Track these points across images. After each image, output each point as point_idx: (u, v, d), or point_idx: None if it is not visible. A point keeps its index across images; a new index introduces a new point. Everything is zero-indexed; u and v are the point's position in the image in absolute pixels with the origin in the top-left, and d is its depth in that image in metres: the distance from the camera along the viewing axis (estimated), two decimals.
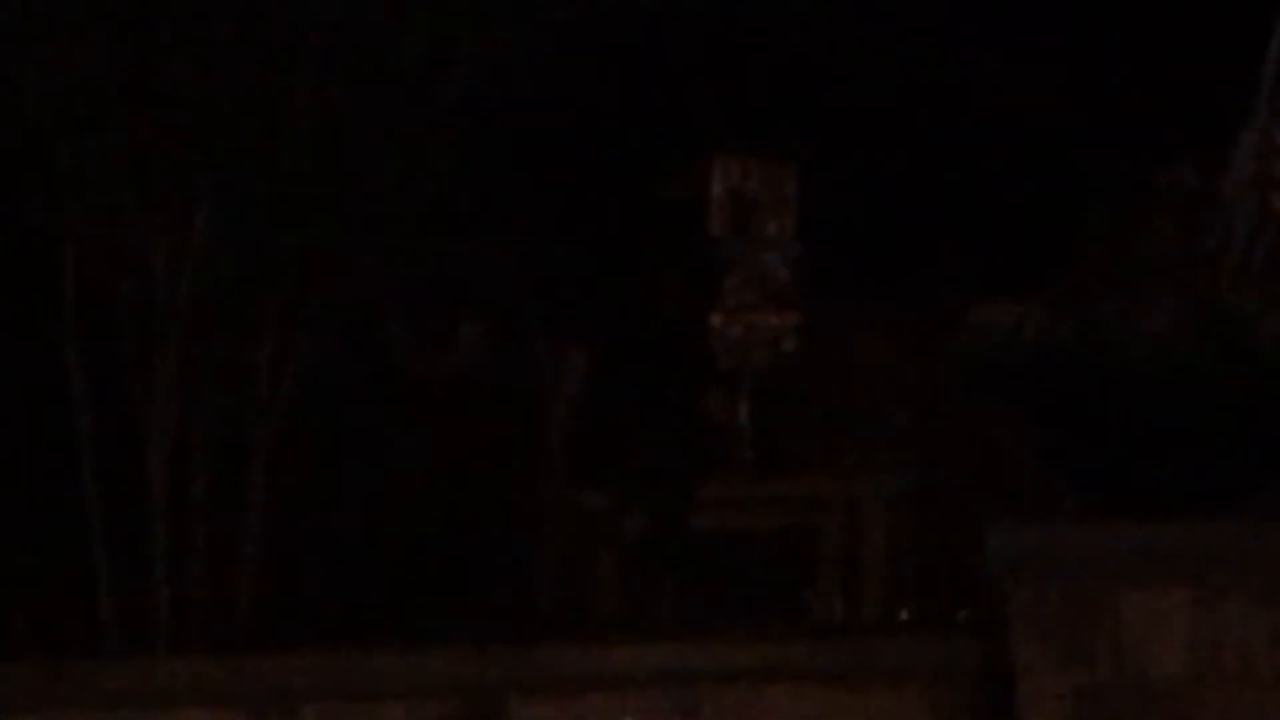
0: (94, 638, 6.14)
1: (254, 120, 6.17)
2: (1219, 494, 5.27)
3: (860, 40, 7.54)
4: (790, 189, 7.30)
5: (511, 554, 7.26)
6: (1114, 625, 5.26)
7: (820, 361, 7.35)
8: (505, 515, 7.39)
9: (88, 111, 6.15)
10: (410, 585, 6.71)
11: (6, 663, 5.72)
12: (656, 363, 7.60)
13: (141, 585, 6.16)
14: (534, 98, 6.65)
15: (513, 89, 6.44)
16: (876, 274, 7.22)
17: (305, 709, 5.39)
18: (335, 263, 6.30)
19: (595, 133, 7.49)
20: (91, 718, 5.42)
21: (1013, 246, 6.57)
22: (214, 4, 6.20)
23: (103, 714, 5.41)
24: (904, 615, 6.95)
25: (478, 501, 7.37)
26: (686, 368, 7.51)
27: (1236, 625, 5.20)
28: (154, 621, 6.12)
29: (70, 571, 6.34)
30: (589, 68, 6.97)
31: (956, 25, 7.82)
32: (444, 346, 7.47)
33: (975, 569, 5.71)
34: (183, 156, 6.12)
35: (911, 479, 7.14)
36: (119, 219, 6.10)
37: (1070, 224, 5.95)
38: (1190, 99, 6.27)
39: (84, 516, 6.14)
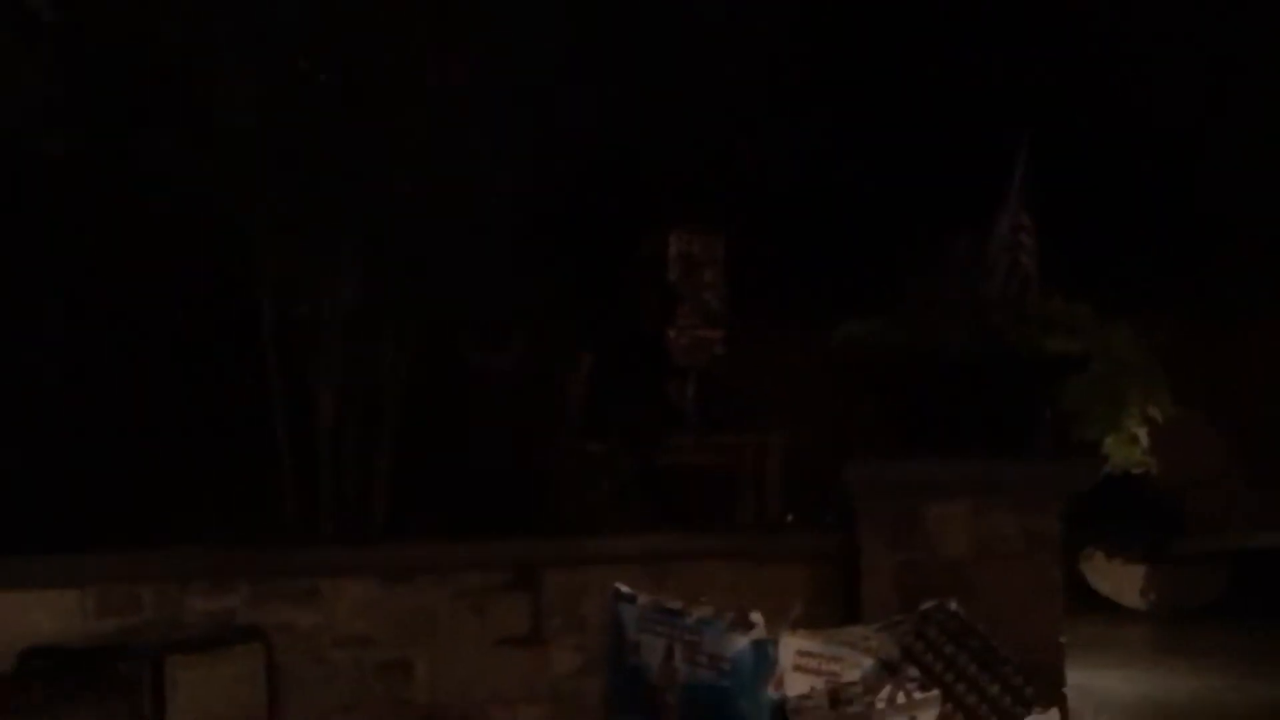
0: (291, 528, 7.42)
1: (378, 201, 7.40)
2: (989, 443, 6.65)
3: (760, 153, 8.67)
4: (719, 251, 8.54)
5: (544, 481, 8.33)
6: (922, 524, 6.68)
7: (740, 361, 8.57)
8: (540, 456, 8.50)
9: (272, 192, 7.34)
10: (482, 500, 7.73)
11: (231, 544, 6.99)
12: (636, 360, 8.89)
13: (314, 495, 7.44)
14: (561, 191, 7.84)
15: (546, 183, 7.57)
16: (776, 303, 8.57)
17: (419, 578, 6.82)
18: (431, 292, 7.54)
19: (600, 213, 8.50)
20: (283, 584, 6.70)
21: (865, 284, 7.58)
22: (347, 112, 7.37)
23: (289, 580, 6.73)
24: (791, 519, 8.06)
25: (523, 447, 8.45)
26: (655, 364, 8.75)
27: (998, 524, 6.67)
28: (322, 518, 7.45)
29: (273, 488, 7.47)
30: (597, 173, 8.10)
31: (821, 140, 8.98)
32: (501, 349, 8.65)
33: (837, 490, 6.94)
34: (334, 223, 7.44)
35: (798, 434, 8.32)
36: (295, 264, 7.44)
37: (901, 270, 7.20)
38: (969, 191, 7.38)
39: (278, 455, 7.47)
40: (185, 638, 6.30)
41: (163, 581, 6.62)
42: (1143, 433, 7.54)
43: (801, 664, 4.41)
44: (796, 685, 4.37)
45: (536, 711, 6.40)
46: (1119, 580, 9.08)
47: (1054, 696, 6.10)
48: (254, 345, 7.53)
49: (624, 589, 4.68)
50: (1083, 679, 6.87)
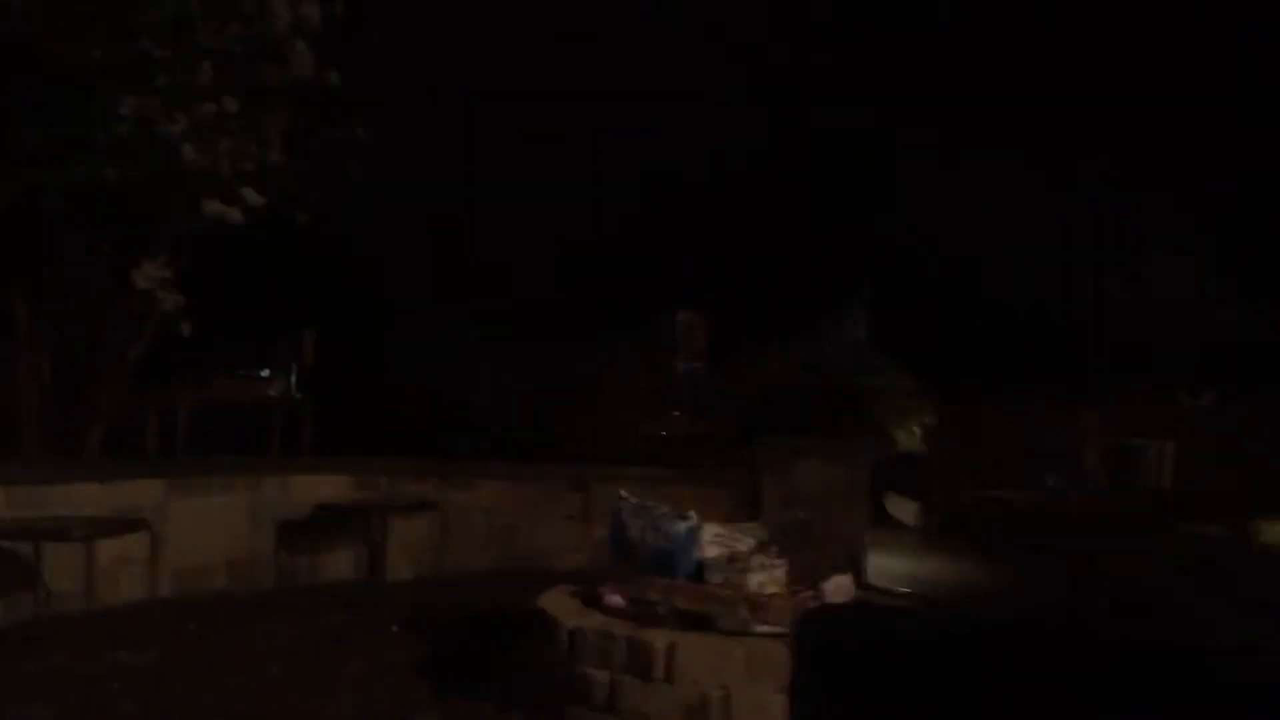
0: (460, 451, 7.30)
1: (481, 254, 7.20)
2: (831, 431, 6.83)
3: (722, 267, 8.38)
4: (702, 323, 8.04)
5: (602, 433, 8.08)
6: (794, 472, 6.44)
7: (716, 380, 8.04)
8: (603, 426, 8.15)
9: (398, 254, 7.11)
10: (550, 436, 7.72)
11: (428, 458, 6.87)
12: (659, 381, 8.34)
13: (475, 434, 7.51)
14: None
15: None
16: (732, 348, 7.96)
17: (525, 481, 6.81)
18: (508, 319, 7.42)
19: (627, 300, 8.05)
20: (453, 479, 6.68)
21: (784, 335, 7.46)
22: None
23: (456, 478, 6.72)
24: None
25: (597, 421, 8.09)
26: (668, 382, 8.22)
27: (833, 474, 6.37)
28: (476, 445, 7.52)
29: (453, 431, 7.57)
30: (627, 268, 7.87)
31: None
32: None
33: (752, 450, 6.75)
34: (450, 274, 7.23)
35: (737, 422, 7.69)
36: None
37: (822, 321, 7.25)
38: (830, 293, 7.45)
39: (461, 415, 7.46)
40: (400, 505, 6.44)
41: (390, 474, 6.70)
42: (918, 431, 7.64)
43: (715, 540, 4.32)
44: (711, 552, 4.28)
45: (581, 557, 6.29)
46: (903, 509, 9.06)
47: (859, 568, 6.04)
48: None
49: (623, 494, 4.53)
50: (878, 562, 6.69)
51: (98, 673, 4.07)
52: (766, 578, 4.05)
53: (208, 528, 5.75)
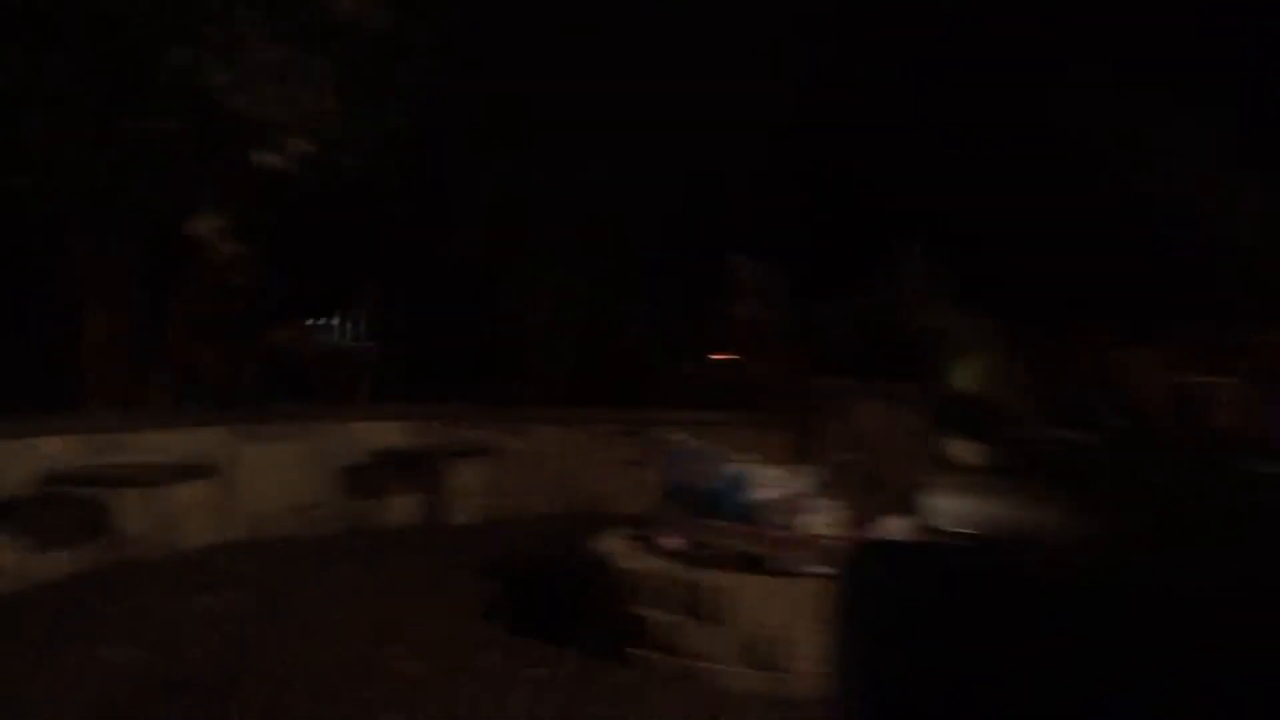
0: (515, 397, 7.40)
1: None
2: (890, 372, 6.49)
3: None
4: (761, 266, 7.85)
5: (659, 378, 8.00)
6: (853, 415, 6.21)
7: (769, 323, 7.81)
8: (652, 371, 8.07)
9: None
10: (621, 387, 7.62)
11: (485, 404, 6.98)
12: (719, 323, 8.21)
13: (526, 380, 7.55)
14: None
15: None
16: (786, 296, 7.67)
17: (578, 426, 6.93)
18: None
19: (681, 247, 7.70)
20: (508, 425, 6.80)
21: (843, 279, 7.06)
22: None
23: (512, 424, 6.84)
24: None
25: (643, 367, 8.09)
26: (726, 324, 8.07)
27: (891, 415, 6.14)
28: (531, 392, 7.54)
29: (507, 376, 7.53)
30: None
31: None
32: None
33: (810, 393, 6.79)
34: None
35: (796, 364, 7.52)
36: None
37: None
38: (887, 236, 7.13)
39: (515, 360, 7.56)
40: (458, 450, 6.52)
41: (447, 421, 6.80)
42: (980, 372, 7.49)
43: (771, 482, 4.29)
44: (768, 494, 4.24)
45: (637, 500, 6.00)
46: (965, 450, 8.88)
47: (920, 510, 5.69)
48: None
49: (675, 436, 4.55)
50: (939, 503, 6.09)
51: (173, 615, 4.21)
52: (823, 519, 4.03)
53: (274, 474, 5.88)
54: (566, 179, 7.05)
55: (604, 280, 7.87)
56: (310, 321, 7.89)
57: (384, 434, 6.42)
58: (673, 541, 3.98)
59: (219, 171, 4.96)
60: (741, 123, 7.21)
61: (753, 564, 3.75)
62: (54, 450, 4.92)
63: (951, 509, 6.74)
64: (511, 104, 6.53)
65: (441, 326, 8.03)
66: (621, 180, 7.22)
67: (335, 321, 7.84)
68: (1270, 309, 9.59)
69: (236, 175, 5.00)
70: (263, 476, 5.82)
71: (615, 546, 4.12)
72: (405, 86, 5.54)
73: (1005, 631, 0.88)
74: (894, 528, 4.14)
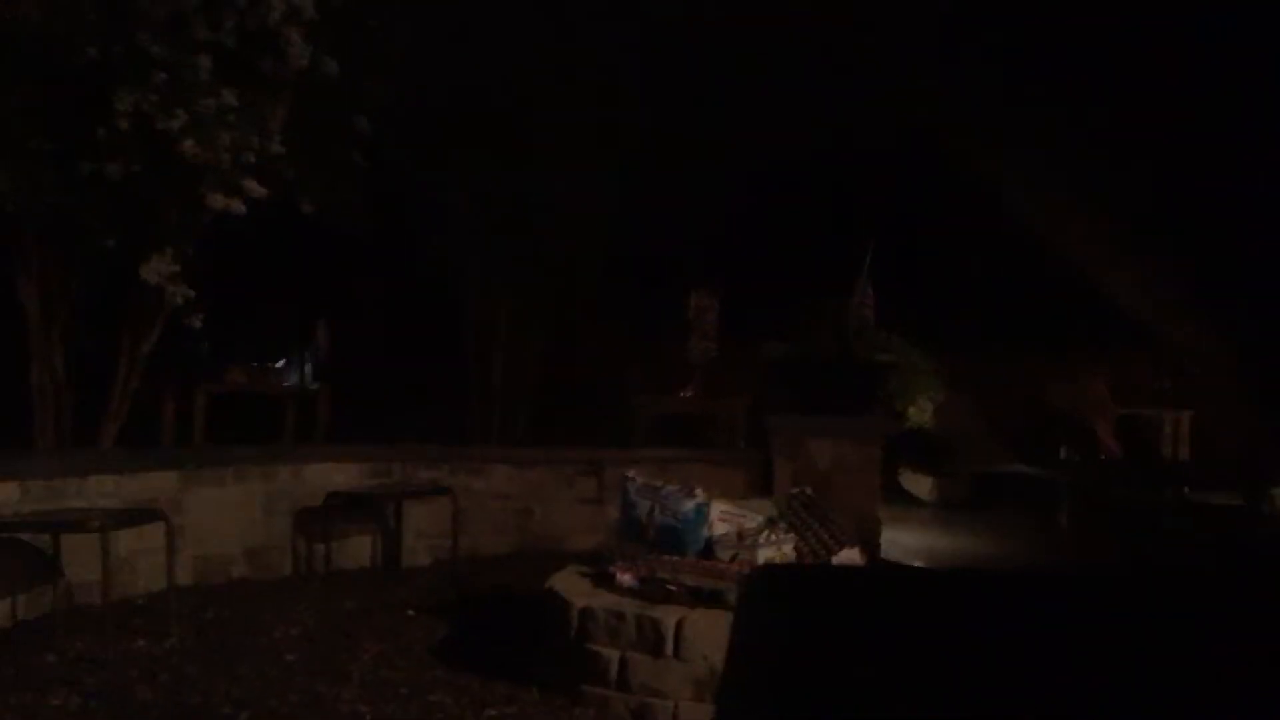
0: (472, 436, 7.36)
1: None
2: (842, 409, 6.45)
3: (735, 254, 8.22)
4: (714, 303, 7.77)
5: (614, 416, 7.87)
6: (805, 450, 6.48)
7: (723, 361, 7.83)
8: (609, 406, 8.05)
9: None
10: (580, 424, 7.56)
11: (443, 443, 6.83)
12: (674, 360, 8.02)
13: (487, 420, 7.42)
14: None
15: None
16: (738, 333, 7.69)
17: (538, 466, 6.82)
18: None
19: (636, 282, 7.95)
20: (466, 465, 6.67)
21: (784, 325, 6.84)
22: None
23: (470, 463, 6.70)
24: (742, 444, 7.44)
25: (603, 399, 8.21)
26: (681, 361, 7.88)
27: (845, 451, 6.44)
28: (489, 432, 7.46)
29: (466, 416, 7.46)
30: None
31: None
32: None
33: (763, 429, 6.70)
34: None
35: (749, 401, 7.57)
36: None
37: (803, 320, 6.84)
38: (835, 272, 6.90)
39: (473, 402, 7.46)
40: (414, 490, 6.44)
41: (403, 461, 6.71)
42: (929, 406, 7.59)
43: (723, 517, 4.37)
44: (720, 529, 4.33)
45: (595, 538, 6.18)
46: (917, 484, 9.06)
47: (872, 543, 6.05)
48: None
49: (630, 474, 4.58)
50: (891, 535, 6.63)
51: (116, 661, 4.14)
52: (775, 553, 4.10)
53: (224, 517, 5.80)
54: (521, 224, 7.10)
55: (564, 321, 7.90)
56: (264, 363, 7.76)
57: (338, 475, 6.35)
58: (627, 577, 4.00)
59: (172, 214, 4.93)
60: (701, 159, 7.32)
61: (707, 599, 3.77)
62: None
63: (903, 541, 6.99)
64: (469, 135, 6.67)
65: (400, 365, 8.01)
66: (579, 218, 7.26)
67: (291, 361, 7.72)
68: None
69: (189, 218, 4.95)
70: (213, 519, 5.75)
71: (570, 584, 4.13)
72: (356, 130, 5.59)
73: (882, 657, 0.91)
74: (845, 561, 4.18)
